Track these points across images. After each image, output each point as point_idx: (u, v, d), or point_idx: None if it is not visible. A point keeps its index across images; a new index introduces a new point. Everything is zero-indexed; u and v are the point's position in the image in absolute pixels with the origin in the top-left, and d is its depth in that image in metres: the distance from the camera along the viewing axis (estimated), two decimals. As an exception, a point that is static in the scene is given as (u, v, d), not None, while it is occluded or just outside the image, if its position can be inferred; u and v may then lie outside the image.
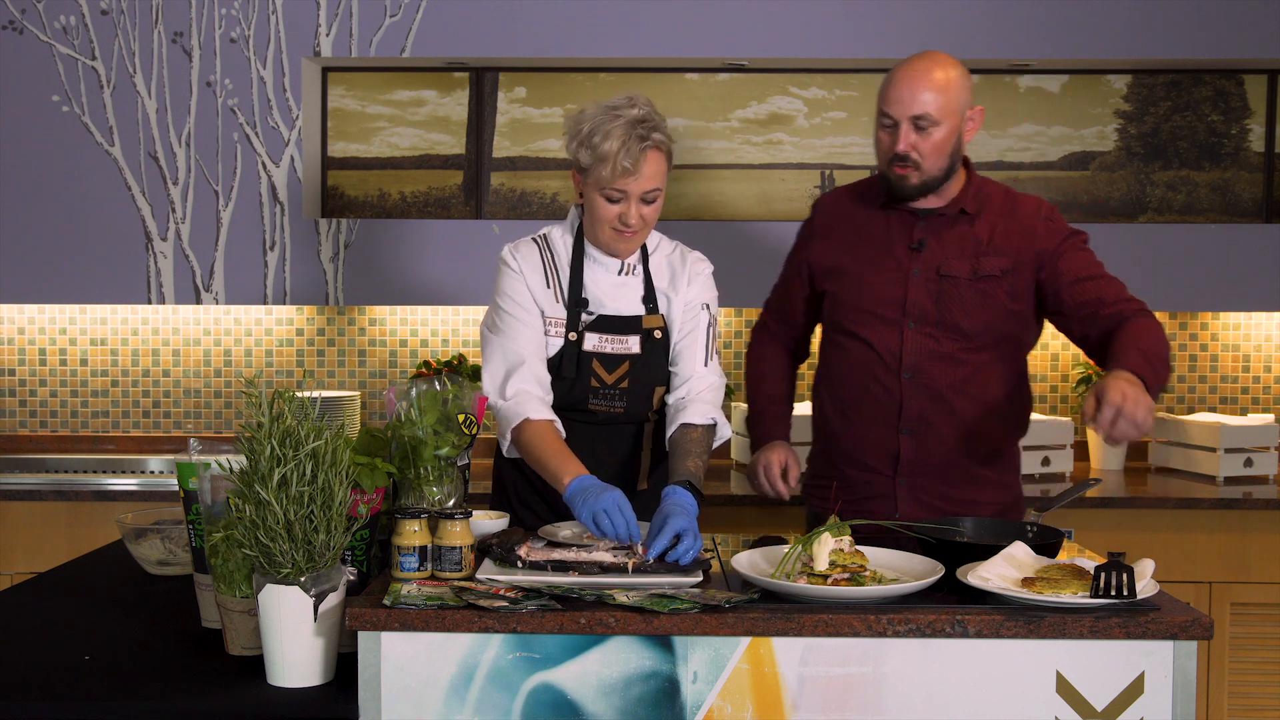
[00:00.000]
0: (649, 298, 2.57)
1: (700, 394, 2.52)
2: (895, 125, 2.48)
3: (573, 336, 2.51)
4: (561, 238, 2.59)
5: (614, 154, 2.39)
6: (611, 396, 2.52)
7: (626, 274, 2.57)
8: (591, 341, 2.52)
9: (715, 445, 2.53)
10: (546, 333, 2.51)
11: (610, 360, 2.52)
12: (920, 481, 2.57)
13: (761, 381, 2.81)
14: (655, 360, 2.55)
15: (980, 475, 2.60)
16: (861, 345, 2.58)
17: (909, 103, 2.45)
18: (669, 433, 2.49)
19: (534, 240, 2.59)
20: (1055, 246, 2.55)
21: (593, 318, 2.53)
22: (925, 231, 2.57)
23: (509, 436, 2.43)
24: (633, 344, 2.53)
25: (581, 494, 2.23)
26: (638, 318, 2.55)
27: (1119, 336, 2.42)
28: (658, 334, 2.55)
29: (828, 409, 2.68)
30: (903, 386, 2.54)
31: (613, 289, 2.55)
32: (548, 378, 2.49)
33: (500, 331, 2.51)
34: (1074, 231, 2.59)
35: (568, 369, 2.50)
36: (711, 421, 2.50)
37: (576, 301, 2.53)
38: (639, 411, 2.56)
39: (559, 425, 2.44)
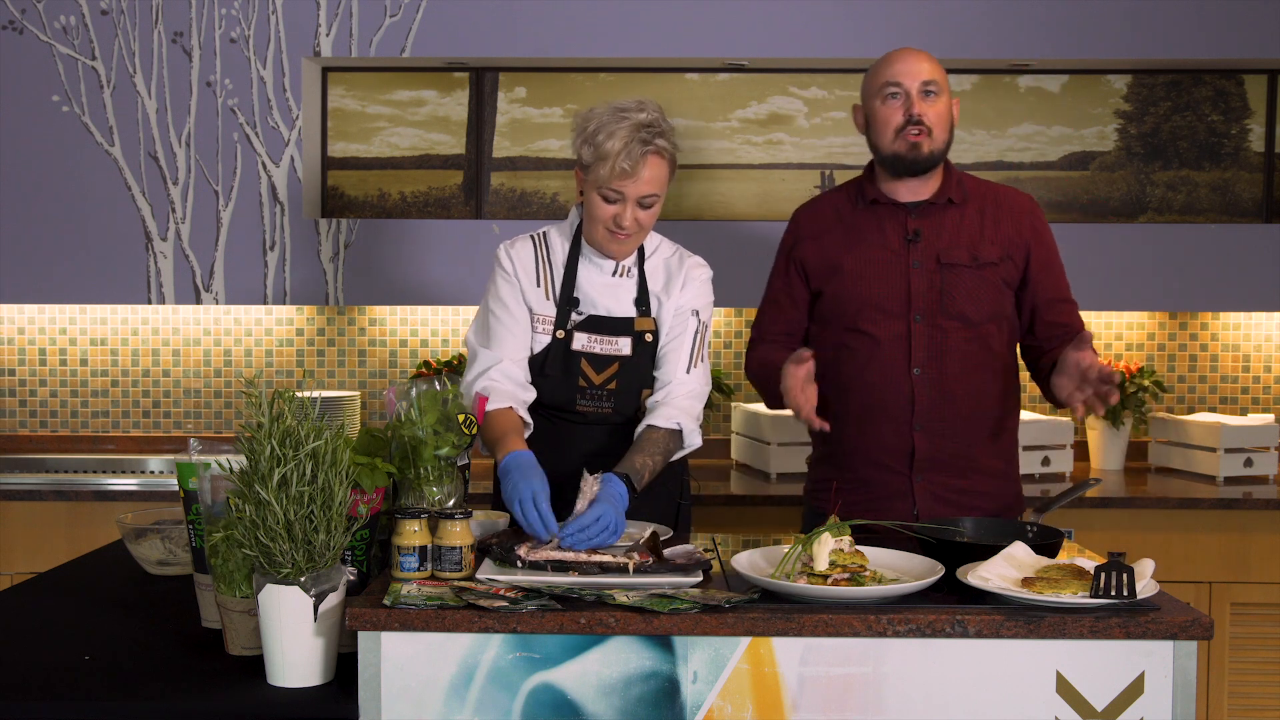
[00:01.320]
0: (642, 300, 2.56)
1: (675, 399, 2.50)
2: (904, 94, 2.53)
3: (560, 335, 2.51)
4: (559, 236, 2.60)
5: (614, 154, 2.39)
6: (600, 398, 2.52)
7: (621, 275, 2.57)
8: (580, 341, 2.52)
9: (681, 454, 2.51)
10: (535, 330, 2.52)
11: (599, 360, 2.52)
12: (935, 477, 2.57)
13: (771, 355, 2.64)
14: (645, 363, 2.54)
15: (989, 466, 2.61)
16: (869, 342, 2.58)
17: (916, 71, 2.53)
18: (636, 430, 2.48)
19: (531, 237, 2.60)
20: (1042, 253, 2.61)
21: (582, 318, 2.53)
22: (918, 222, 2.59)
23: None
24: (623, 345, 2.53)
25: (506, 474, 2.23)
26: (629, 319, 2.54)
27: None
28: (649, 337, 2.55)
29: (835, 412, 2.63)
30: (914, 382, 2.55)
31: (605, 290, 2.55)
32: (526, 377, 2.51)
33: (485, 332, 2.54)
34: (1052, 238, 2.66)
35: (553, 367, 2.51)
36: (676, 426, 2.47)
37: (567, 300, 2.53)
38: (628, 414, 2.56)
39: (523, 413, 2.45)
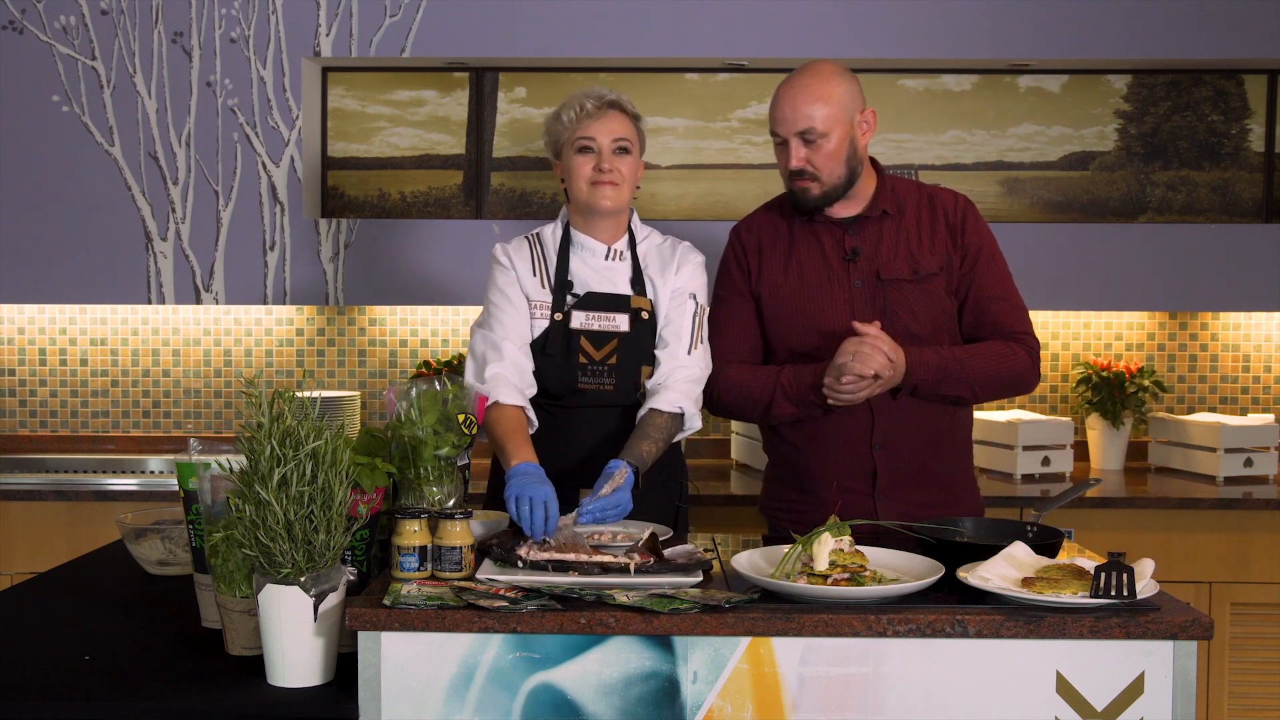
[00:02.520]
0: (637, 281, 2.61)
1: (676, 383, 2.52)
2: (785, 143, 2.50)
3: (558, 317, 2.55)
4: (551, 231, 2.66)
5: (572, 106, 2.56)
6: (600, 374, 2.55)
7: (614, 259, 2.61)
8: (579, 319, 2.55)
9: (682, 436, 2.55)
10: (532, 316, 2.57)
11: (598, 337, 2.55)
12: (897, 492, 2.54)
13: (756, 373, 2.59)
14: (643, 339, 2.57)
15: (947, 478, 2.60)
16: (816, 364, 2.50)
17: (792, 120, 2.48)
18: (639, 414, 2.51)
19: (525, 237, 2.67)
20: (976, 251, 2.56)
21: (579, 297, 2.57)
22: (855, 239, 2.55)
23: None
24: (621, 322, 2.56)
25: (521, 477, 2.26)
26: (625, 296, 2.59)
27: (984, 342, 2.53)
28: (645, 314, 2.58)
29: (790, 436, 2.61)
30: (870, 402, 2.49)
31: (599, 272, 2.60)
32: (529, 366, 2.54)
33: (487, 323, 2.58)
34: (991, 236, 2.60)
35: (554, 346, 2.54)
36: (679, 410, 2.50)
37: (562, 284, 2.58)
38: (628, 389, 2.57)
39: (530, 414, 2.49)
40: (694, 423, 2.53)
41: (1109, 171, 4.06)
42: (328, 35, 3.81)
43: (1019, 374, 2.53)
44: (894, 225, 2.56)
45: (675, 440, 2.54)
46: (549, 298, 2.58)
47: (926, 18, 3.78)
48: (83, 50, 3.82)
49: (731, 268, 2.66)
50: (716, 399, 2.62)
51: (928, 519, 2.45)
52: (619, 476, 2.32)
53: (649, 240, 2.67)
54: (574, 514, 2.28)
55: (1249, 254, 3.82)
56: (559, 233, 2.64)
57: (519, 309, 2.57)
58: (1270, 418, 3.78)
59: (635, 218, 2.68)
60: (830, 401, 2.43)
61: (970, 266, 2.56)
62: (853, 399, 2.40)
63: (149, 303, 3.84)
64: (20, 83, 3.81)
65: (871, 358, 2.35)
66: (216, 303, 3.84)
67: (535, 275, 2.60)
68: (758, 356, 2.63)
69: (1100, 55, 3.82)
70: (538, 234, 2.67)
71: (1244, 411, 4.03)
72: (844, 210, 2.57)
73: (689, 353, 2.56)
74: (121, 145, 3.83)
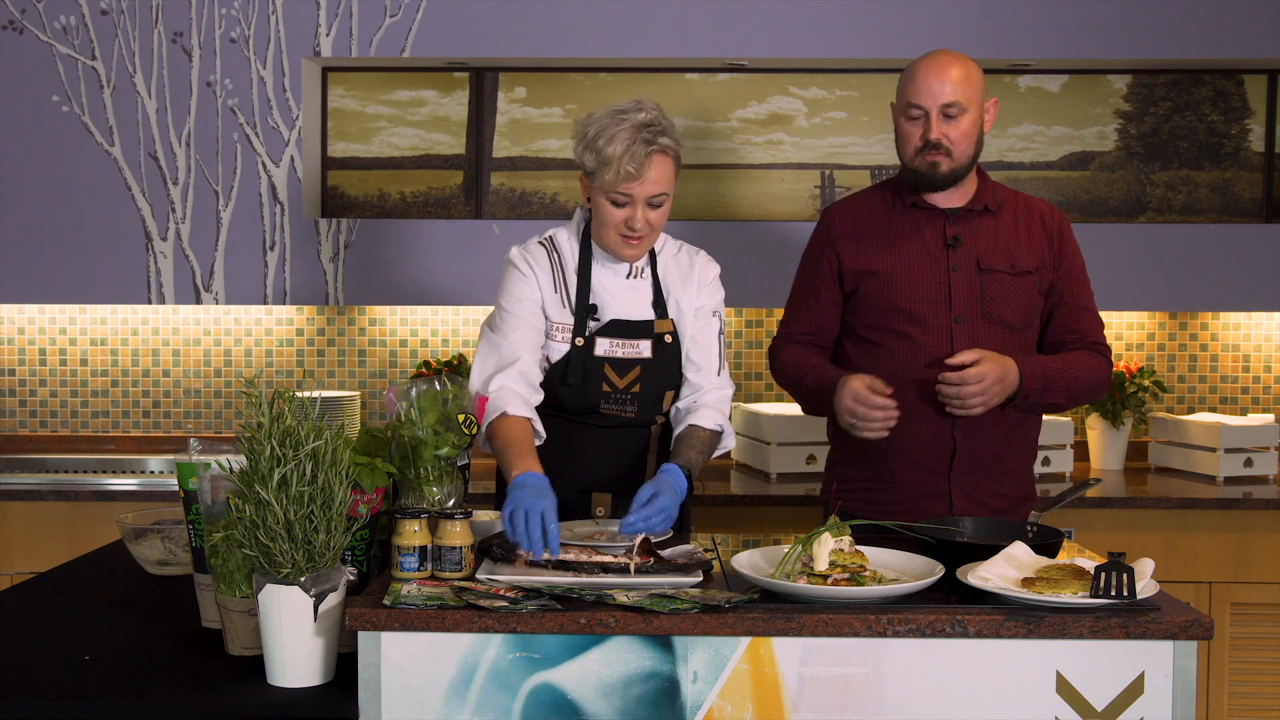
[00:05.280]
0: (658, 302, 2.55)
1: (713, 402, 2.53)
2: (924, 115, 2.54)
3: (580, 342, 2.48)
4: (568, 240, 2.56)
5: (618, 158, 2.36)
6: (623, 401, 2.51)
7: (635, 277, 2.55)
8: (603, 347, 2.49)
9: (717, 454, 2.54)
10: (552, 338, 2.50)
11: (621, 365, 2.50)
12: (971, 478, 2.57)
13: (805, 359, 2.66)
14: (666, 364, 2.53)
15: (1013, 467, 2.63)
16: (906, 343, 2.57)
17: (938, 92, 2.52)
18: (676, 432, 2.51)
19: (541, 244, 2.56)
20: (1070, 261, 2.64)
21: (603, 323, 2.50)
22: (957, 227, 2.60)
23: (484, 430, 2.39)
24: (644, 349, 2.52)
25: (520, 489, 2.15)
26: (649, 322, 2.53)
27: (1068, 351, 2.60)
28: (668, 338, 2.54)
29: None
30: None
31: (621, 293, 2.53)
32: (538, 377, 2.47)
33: (498, 329, 2.49)
34: (1080, 251, 2.68)
35: (574, 375, 2.47)
36: (719, 428, 2.51)
37: (584, 307, 2.50)
38: (648, 416, 2.56)
39: (537, 424, 2.42)
40: (729, 441, 2.55)
41: (1109, 171, 4.06)
42: (328, 35, 3.81)
43: (1100, 385, 2.63)
44: (993, 222, 2.61)
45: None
46: (570, 320, 2.50)
47: (926, 18, 3.78)
48: (83, 50, 3.82)
49: (822, 249, 2.68)
50: (775, 367, 2.74)
51: (998, 510, 2.53)
52: (667, 482, 2.29)
53: (666, 250, 2.60)
54: (591, 522, 2.31)
55: (1249, 254, 3.82)
56: (576, 245, 2.55)
57: (534, 317, 2.49)
58: (1270, 418, 3.78)
59: None
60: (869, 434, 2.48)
61: (1065, 274, 2.62)
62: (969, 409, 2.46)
63: (149, 303, 3.84)
64: (20, 83, 3.81)
65: (968, 403, 2.43)
66: (216, 303, 3.84)
67: (556, 292, 2.51)
68: (824, 338, 2.70)
69: (1100, 55, 3.82)
70: (553, 240, 2.56)
71: (1244, 411, 4.03)
72: (947, 200, 2.61)
73: (718, 374, 2.56)
74: (121, 145, 3.83)
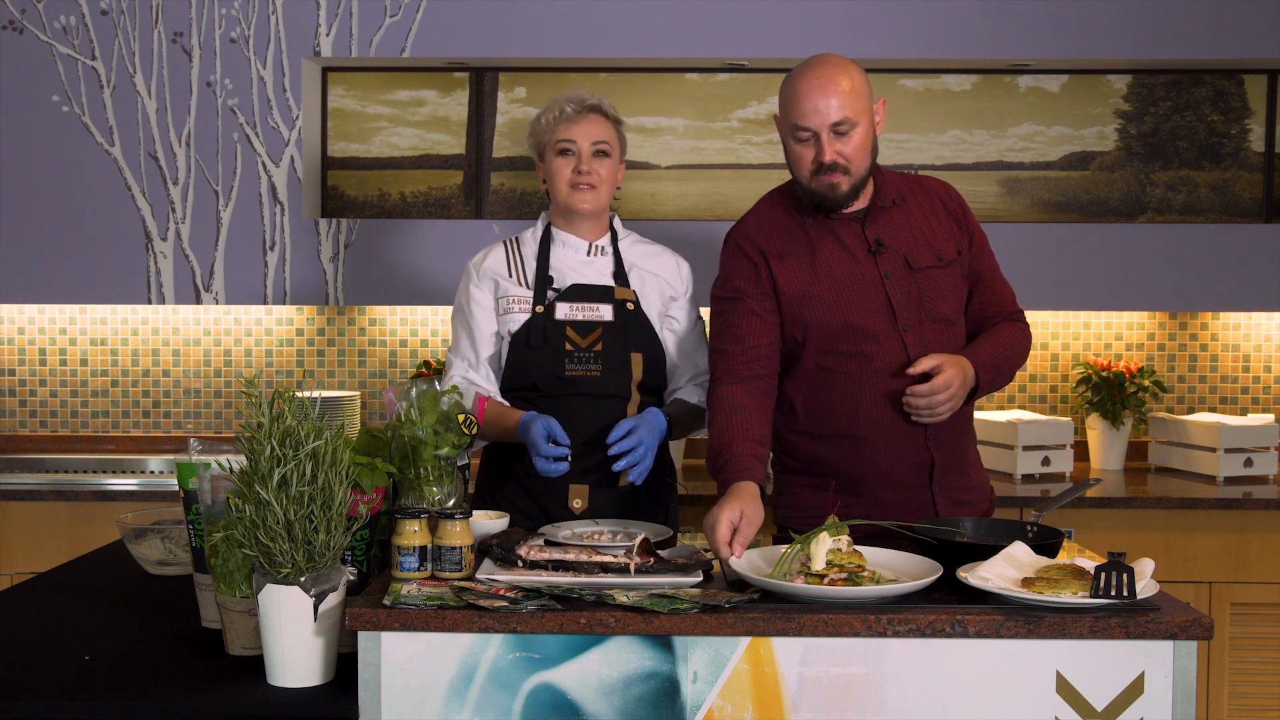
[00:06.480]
0: (619, 275, 2.67)
1: (700, 383, 2.70)
2: (813, 136, 2.39)
3: (540, 309, 2.60)
4: (531, 233, 2.74)
5: (554, 108, 2.63)
6: (586, 360, 2.59)
7: (595, 255, 2.68)
8: (563, 310, 2.61)
9: (700, 433, 2.68)
10: (510, 311, 2.63)
11: (583, 326, 2.61)
12: (948, 481, 2.52)
13: (738, 414, 2.39)
14: (629, 328, 2.62)
15: (974, 459, 2.62)
16: (861, 363, 2.45)
17: (825, 111, 2.36)
18: (668, 398, 2.68)
19: (501, 242, 2.74)
20: (976, 235, 2.59)
21: (561, 290, 2.63)
22: (875, 229, 2.49)
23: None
24: (605, 312, 2.62)
25: (534, 419, 2.44)
26: (609, 288, 2.65)
27: (992, 329, 2.56)
28: (630, 305, 2.64)
29: (835, 442, 2.50)
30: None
31: (581, 266, 2.67)
32: (493, 380, 2.66)
33: (454, 339, 2.71)
34: (976, 218, 2.63)
35: (536, 338, 2.59)
36: (703, 405, 2.64)
37: (542, 279, 2.64)
38: (618, 380, 2.60)
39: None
40: None
41: (1109, 171, 4.06)
42: (328, 35, 3.81)
43: (1026, 354, 2.61)
44: (903, 214, 2.52)
45: (694, 435, 2.72)
46: (528, 293, 2.63)
47: (926, 18, 3.78)
48: (83, 50, 3.82)
49: (745, 272, 2.50)
50: (711, 411, 2.46)
51: (972, 503, 2.53)
52: (646, 419, 2.48)
53: (630, 239, 2.74)
54: (591, 522, 2.41)
55: (1249, 254, 3.82)
56: (539, 233, 2.72)
57: (484, 326, 2.65)
58: (1270, 418, 3.78)
59: (616, 219, 2.75)
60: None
61: (978, 251, 2.57)
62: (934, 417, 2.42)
63: (149, 303, 3.84)
64: (20, 83, 3.81)
65: (937, 411, 2.39)
66: (216, 303, 3.84)
67: (511, 275, 2.66)
68: (769, 374, 2.49)
69: (1100, 55, 3.82)
70: (515, 239, 2.74)
71: (1244, 411, 4.03)
72: (854, 205, 2.50)
73: (704, 364, 2.70)
74: (121, 145, 3.83)
